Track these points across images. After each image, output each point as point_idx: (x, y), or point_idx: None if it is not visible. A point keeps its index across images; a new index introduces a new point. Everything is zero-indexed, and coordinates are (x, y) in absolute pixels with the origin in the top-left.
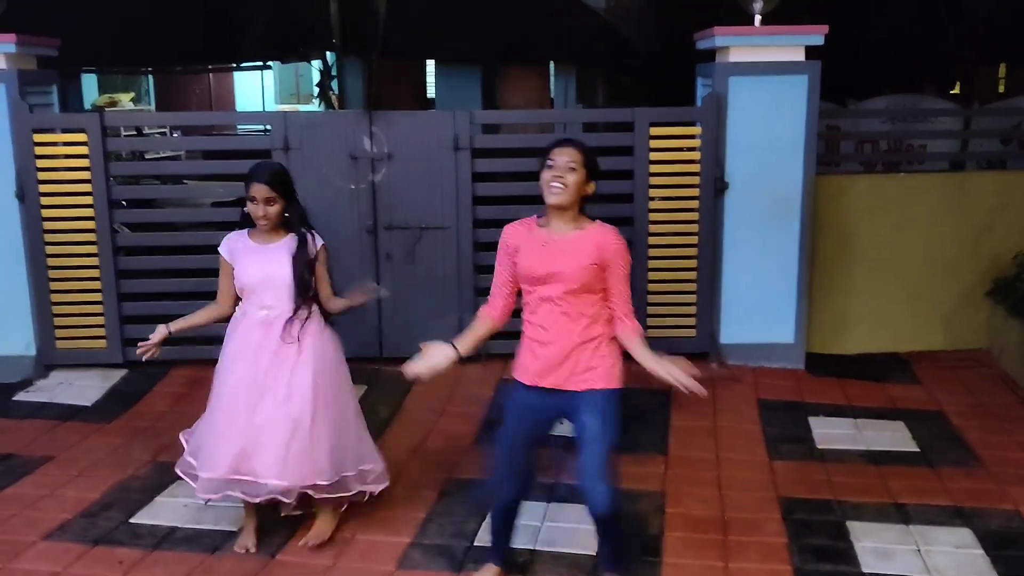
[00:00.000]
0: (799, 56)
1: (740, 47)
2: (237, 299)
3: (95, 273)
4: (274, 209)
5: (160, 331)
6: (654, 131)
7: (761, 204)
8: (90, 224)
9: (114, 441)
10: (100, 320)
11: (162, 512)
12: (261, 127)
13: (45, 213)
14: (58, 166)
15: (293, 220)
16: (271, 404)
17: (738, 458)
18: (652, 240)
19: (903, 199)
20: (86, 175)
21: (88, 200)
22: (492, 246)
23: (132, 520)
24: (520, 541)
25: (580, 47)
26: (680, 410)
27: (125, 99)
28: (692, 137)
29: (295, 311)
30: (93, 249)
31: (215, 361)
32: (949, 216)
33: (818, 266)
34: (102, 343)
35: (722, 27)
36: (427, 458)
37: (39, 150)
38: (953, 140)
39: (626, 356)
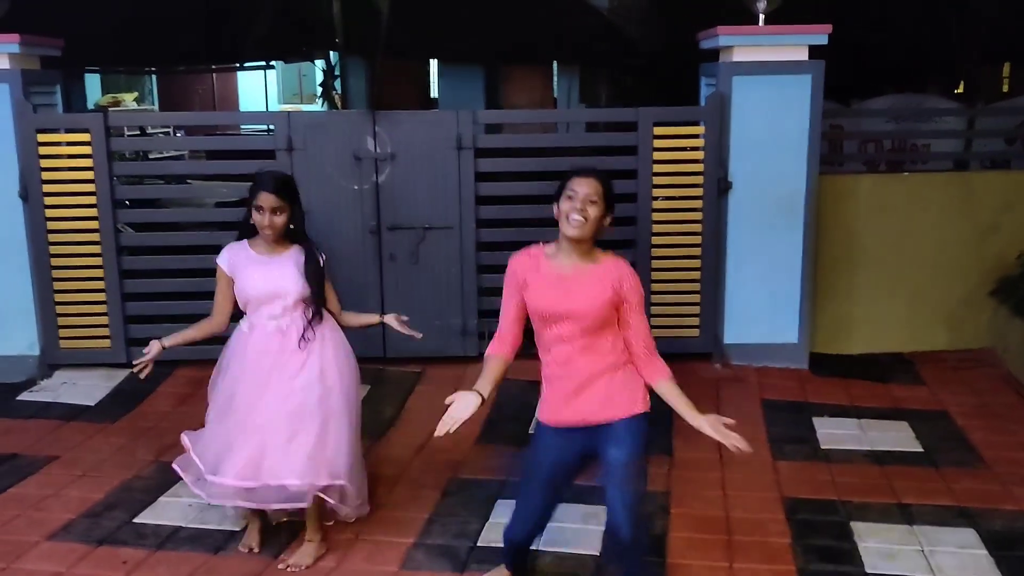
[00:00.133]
0: (803, 56)
1: (744, 47)
2: (232, 314)
3: (99, 273)
4: (280, 219)
5: (154, 347)
6: (657, 131)
7: (765, 204)
8: (94, 224)
9: (118, 441)
10: (104, 320)
11: (166, 512)
12: (264, 127)
13: (49, 213)
14: (62, 166)
15: (299, 229)
16: (289, 407)
17: (742, 459)
18: (655, 240)
19: (907, 199)
20: (90, 175)
21: (92, 200)
22: (496, 246)
23: (136, 520)
24: None
25: (583, 47)
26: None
27: (128, 99)
28: (696, 137)
29: (311, 320)
30: (97, 249)
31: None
32: (953, 216)
33: (822, 266)
34: (106, 343)
35: (726, 27)
36: (430, 458)
37: (43, 150)
38: (957, 140)
39: None
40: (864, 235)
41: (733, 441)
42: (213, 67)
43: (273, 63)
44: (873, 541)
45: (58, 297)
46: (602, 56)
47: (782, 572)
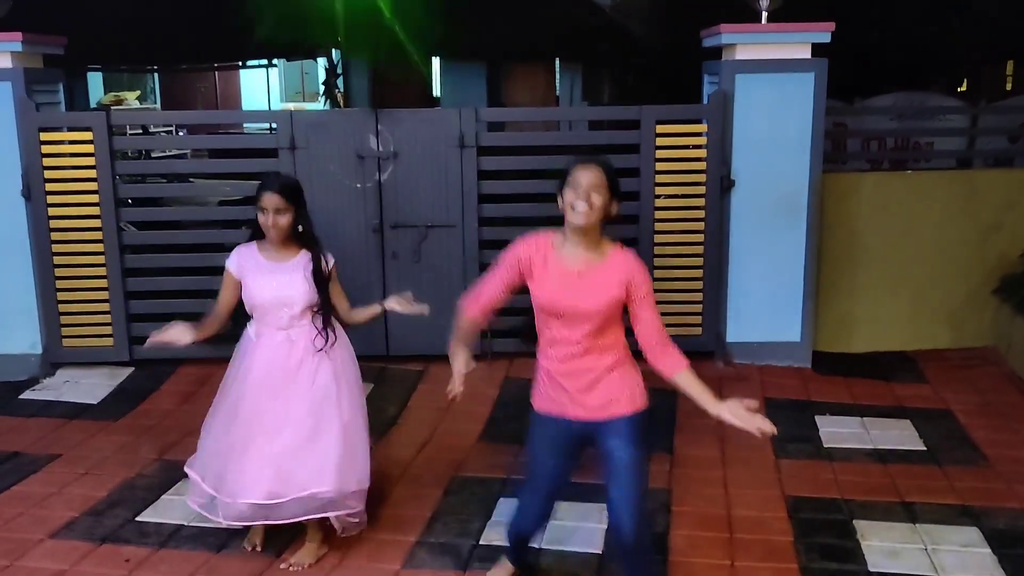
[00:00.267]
0: (806, 54)
1: (747, 45)
2: (233, 315)
3: (101, 271)
4: (284, 220)
5: (184, 335)
6: (660, 129)
7: (768, 202)
8: (96, 223)
9: (121, 439)
10: (107, 318)
11: (168, 510)
12: (267, 125)
13: (51, 212)
14: (64, 164)
15: (306, 233)
16: (308, 415)
17: (744, 456)
18: (658, 238)
19: (910, 197)
20: (92, 173)
21: (94, 199)
22: (498, 244)
23: (138, 518)
24: None
25: (586, 45)
26: (686, 409)
27: (131, 97)
28: (698, 135)
29: (321, 327)
30: (99, 247)
31: (222, 360)
32: (956, 214)
33: (824, 264)
34: (109, 341)
35: (729, 25)
36: (433, 456)
37: (45, 148)
38: (960, 138)
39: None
40: (867, 233)
41: (757, 424)
42: (215, 65)
43: (275, 61)
44: (876, 539)
45: (61, 296)
46: (605, 54)
47: (784, 570)
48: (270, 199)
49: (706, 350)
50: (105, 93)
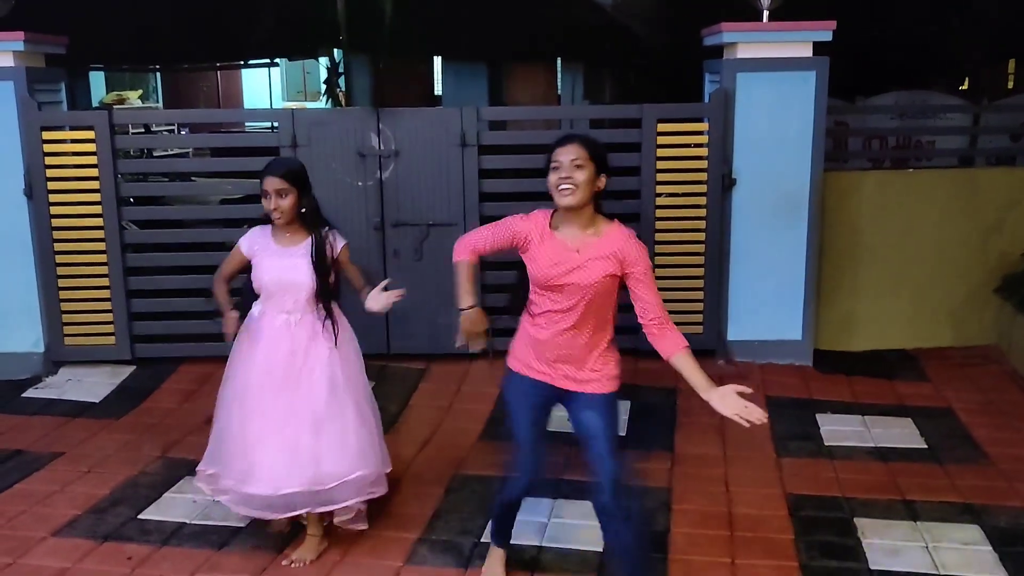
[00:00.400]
0: (807, 52)
1: (748, 43)
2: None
3: (103, 270)
4: (287, 202)
5: (234, 317)
6: (661, 127)
7: (769, 200)
8: (98, 221)
9: (123, 437)
10: (109, 317)
11: (171, 508)
12: (269, 124)
13: (54, 210)
14: (66, 163)
15: (311, 215)
16: (314, 409)
17: (745, 455)
18: (659, 236)
19: (912, 196)
20: (94, 172)
21: (96, 197)
22: None
23: (141, 516)
24: (527, 537)
25: (587, 44)
26: (687, 407)
27: (133, 97)
28: (700, 133)
29: (323, 314)
30: (102, 246)
31: (224, 358)
32: (958, 213)
33: (826, 263)
34: (111, 340)
35: (730, 23)
36: (434, 455)
37: (47, 147)
38: (962, 136)
39: (632, 352)
40: (868, 232)
41: (744, 415)
42: (217, 65)
43: (277, 60)
44: (877, 537)
45: (63, 294)
46: (606, 53)
47: (785, 568)
48: (270, 182)
49: (707, 348)
50: (107, 92)
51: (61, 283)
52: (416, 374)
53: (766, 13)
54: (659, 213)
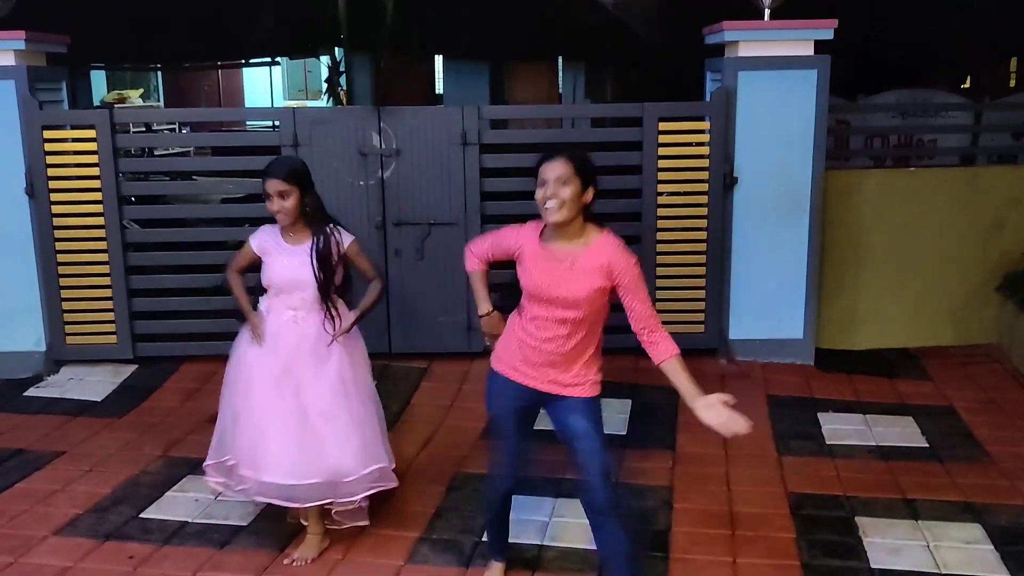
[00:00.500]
0: (808, 50)
1: (749, 42)
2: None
3: (105, 269)
4: (289, 202)
5: (259, 318)
6: (663, 126)
7: (770, 199)
8: (100, 220)
9: (125, 436)
10: (110, 316)
11: (172, 507)
12: (270, 123)
13: (55, 209)
14: (68, 162)
15: (313, 213)
16: (329, 398)
17: (747, 454)
18: (661, 235)
19: (913, 194)
20: (95, 171)
21: (98, 196)
22: None
23: (142, 515)
24: (528, 537)
25: (589, 43)
26: (688, 406)
27: (134, 95)
28: (701, 132)
29: (326, 311)
30: (103, 245)
31: (226, 357)
32: (959, 211)
33: (827, 261)
34: (112, 339)
35: (731, 22)
36: (435, 453)
37: (49, 146)
38: (964, 135)
39: (632, 352)
40: (870, 230)
41: (729, 427)
42: (218, 63)
43: (278, 59)
44: (878, 536)
45: (64, 293)
46: (607, 52)
47: (786, 567)
48: (271, 184)
49: (709, 347)
50: (108, 91)
51: (63, 282)
52: (418, 373)
53: (767, 12)
54: (660, 212)
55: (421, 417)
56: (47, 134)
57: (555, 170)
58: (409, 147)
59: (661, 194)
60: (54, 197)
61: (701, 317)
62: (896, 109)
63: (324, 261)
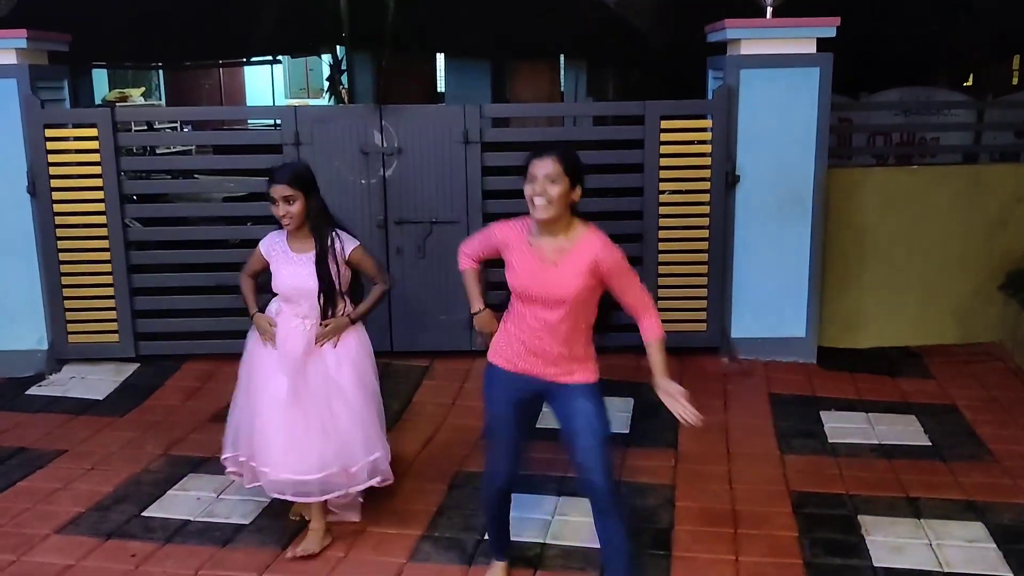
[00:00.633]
0: (811, 48)
1: (751, 40)
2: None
3: (107, 268)
4: (295, 207)
5: (266, 321)
6: (665, 124)
7: (773, 197)
8: (101, 219)
9: (127, 435)
10: (112, 315)
11: (174, 505)
12: (271, 122)
13: (57, 208)
14: (69, 161)
15: (316, 218)
16: (335, 396)
17: (749, 452)
18: (663, 234)
19: (916, 192)
20: (97, 170)
21: (99, 195)
22: None
23: (144, 513)
24: (531, 535)
25: (590, 41)
26: (691, 404)
27: (135, 94)
28: (703, 130)
29: (325, 315)
30: (105, 244)
31: (227, 356)
32: (962, 209)
33: (830, 260)
34: (114, 337)
35: (733, 19)
36: (437, 452)
37: (50, 145)
38: (966, 133)
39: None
40: (872, 229)
41: (682, 413)
42: (220, 62)
43: (280, 58)
44: (880, 535)
45: (66, 292)
46: (609, 50)
47: (788, 565)
48: (276, 190)
49: (711, 346)
50: (110, 90)
51: (65, 281)
52: (419, 371)
53: (770, 9)
54: (662, 210)
55: (423, 416)
56: (49, 133)
57: (545, 167)
58: (411, 145)
59: (663, 192)
60: (56, 196)
61: (703, 316)
62: (899, 107)
63: (325, 271)
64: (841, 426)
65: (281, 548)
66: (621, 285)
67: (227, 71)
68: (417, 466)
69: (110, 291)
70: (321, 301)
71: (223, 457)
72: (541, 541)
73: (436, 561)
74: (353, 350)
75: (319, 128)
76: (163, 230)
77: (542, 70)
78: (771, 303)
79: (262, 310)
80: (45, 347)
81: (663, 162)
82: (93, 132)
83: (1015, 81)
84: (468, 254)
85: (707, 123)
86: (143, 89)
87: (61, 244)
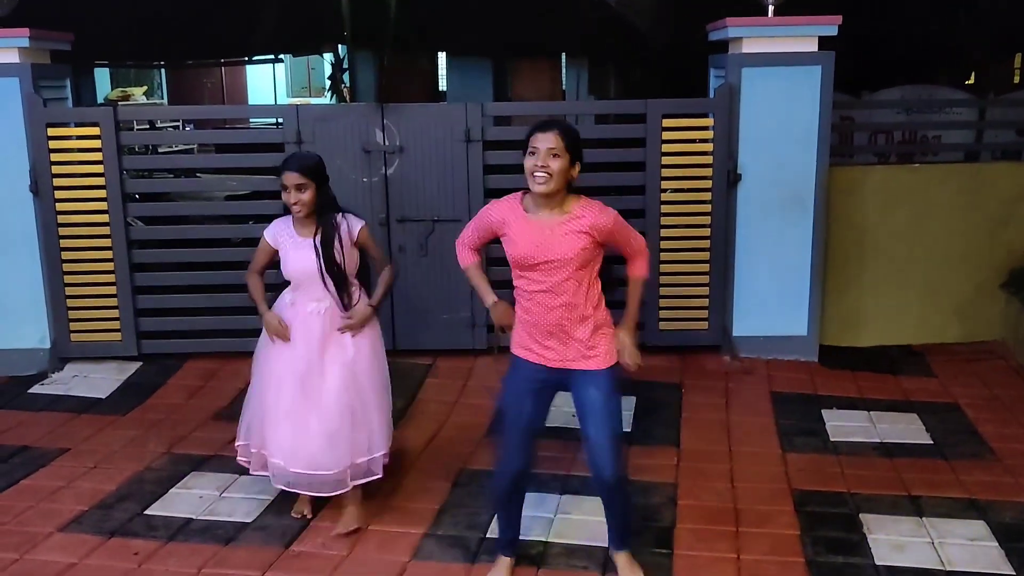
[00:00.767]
0: (812, 47)
1: (753, 38)
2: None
3: (109, 266)
4: (306, 195)
5: (273, 320)
6: (666, 123)
7: (774, 196)
8: (104, 218)
9: (129, 433)
10: (115, 313)
11: (177, 504)
12: (273, 120)
13: (59, 207)
14: (72, 160)
15: (324, 206)
16: (354, 387)
17: (751, 450)
18: (664, 232)
19: (917, 190)
20: (99, 169)
21: (102, 194)
22: None
23: (147, 512)
24: (534, 533)
25: (592, 39)
26: (693, 403)
27: (138, 93)
28: (705, 129)
29: (341, 300)
30: (107, 243)
31: (229, 354)
32: (964, 208)
33: (831, 258)
34: (117, 336)
35: (735, 18)
36: (440, 450)
37: (53, 144)
38: (968, 131)
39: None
40: (874, 227)
41: (627, 359)
42: (222, 61)
43: (282, 57)
44: (882, 533)
45: (69, 291)
46: (611, 49)
47: (790, 564)
48: (289, 177)
49: (713, 344)
50: (112, 89)
51: (67, 279)
52: (422, 369)
53: (771, 8)
54: (664, 209)
55: (426, 414)
56: (51, 131)
57: (548, 141)
58: (413, 144)
59: (665, 191)
60: (58, 195)
61: (705, 314)
62: (900, 105)
63: (328, 247)
64: (843, 424)
65: (284, 546)
66: (621, 239)
67: (229, 70)
68: (420, 464)
69: (112, 290)
70: (329, 283)
71: (237, 444)
72: (544, 539)
73: (439, 559)
74: (368, 342)
75: (321, 127)
76: (165, 229)
77: (544, 69)
78: (773, 301)
79: (271, 306)
80: (47, 346)
81: (665, 160)
82: (95, 131)
83: (1017, 79)
84: (467, 244)
85: (709, 122)
86: (145, 88)
87: (64, 243)
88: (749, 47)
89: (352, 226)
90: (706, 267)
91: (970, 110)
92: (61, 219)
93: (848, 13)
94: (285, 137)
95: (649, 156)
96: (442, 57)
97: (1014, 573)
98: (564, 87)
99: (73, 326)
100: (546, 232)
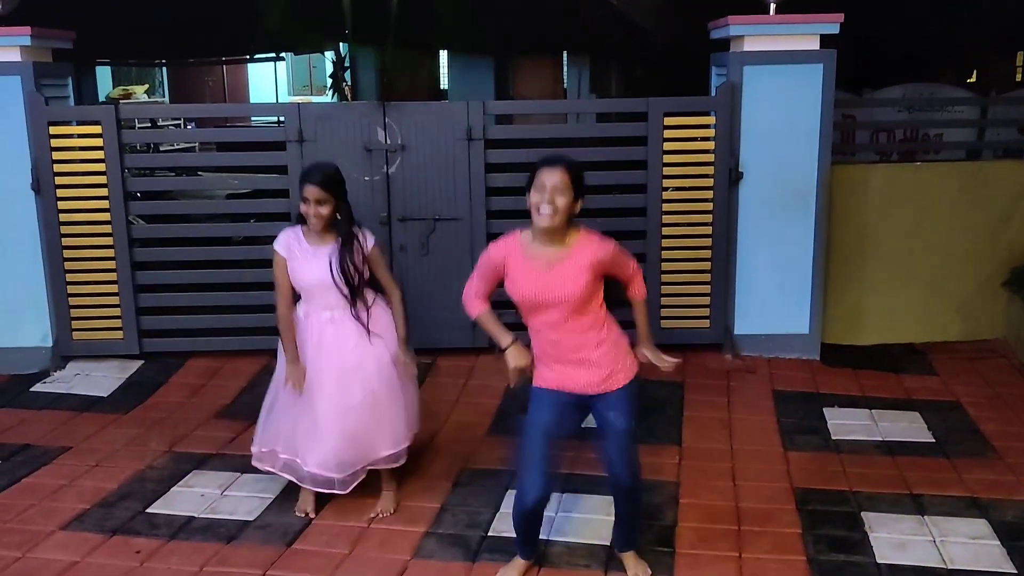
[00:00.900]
0: (814, 45)
1: (755, 36)
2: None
3: (111, 265)
4: (326, 210)
5: (300, 369)
6: (668, 121)
7: (776, 194)
8: (105, 216)
9: (131, 432)
10: (116, 311)
11: (178, 502)
12: (275, 119)
13: (61, 205)
14: (73, 158)
15: (343, 221)
16: (374, 383)
17: (753, 449)
18: (666, 231)
19: (919, 189)
20: (101, 167)
21: (103, 192)
22: None
23: (149, 510)
24: None
25: (594, 37)
26: (695, 401)
27: (139, 91)
28: (706, 127)
29: (354, 306)
30: (109, 241)
31: (230, 353)
32: (966, 206)
33: (833, 256)
34: (119, 334)
35: (737, 16)
36: (441, 449)
37: (55, 142)
38: (970, 129)
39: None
40: (876, 225)
41: (664, 363)
42: (223, 59)
43: (283, 55)
44: (884, 531)
45: (71, 289)
46: (612, 47)
47: (792, 562)
48: (311, 191)
49: (714, 343)
50: (113, 87)
51: (69, 278)
52: (423, 368)
53: (773, 6)
54: (666, 207)
55: (427, 413)
56: (53, 130)
57: (553, 178)
58: (414, 143)
59: (666, 189)
60: (60, 193)
61: (706, 312)
62: (902, 104)
63: (346, 257)
64: (844, 423)
65: (286, 545)
66: (619, 268)
67: (230, 68)
68: (422, 463)
69: (114, 288)
70: (344, 288)
71: (257, 450)
72: (545, 538)
73: (440, 558)
74: (387, 339)
75: (322, 125)
76: (167, 227)
77: (545, 67)
78: (774, 300)
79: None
80: (49, 344)
81: (666, 159)
82: (97, 129)
83: (1019, 77)
84: (475, 294)
85: (710, 120)
86: (147, 86)
87: (65, 241)
88: (751, 45)
89: (367, 240)
90: (708, 265)
91: (972, 108)
92: (63, 217)
93: (850, 11)
94: (287, 135)
95: (651, 154)
96: (443, 55)
97: (1016, 572)
98: (566, 85)
99: (75, 324)
100: (547, 272)
